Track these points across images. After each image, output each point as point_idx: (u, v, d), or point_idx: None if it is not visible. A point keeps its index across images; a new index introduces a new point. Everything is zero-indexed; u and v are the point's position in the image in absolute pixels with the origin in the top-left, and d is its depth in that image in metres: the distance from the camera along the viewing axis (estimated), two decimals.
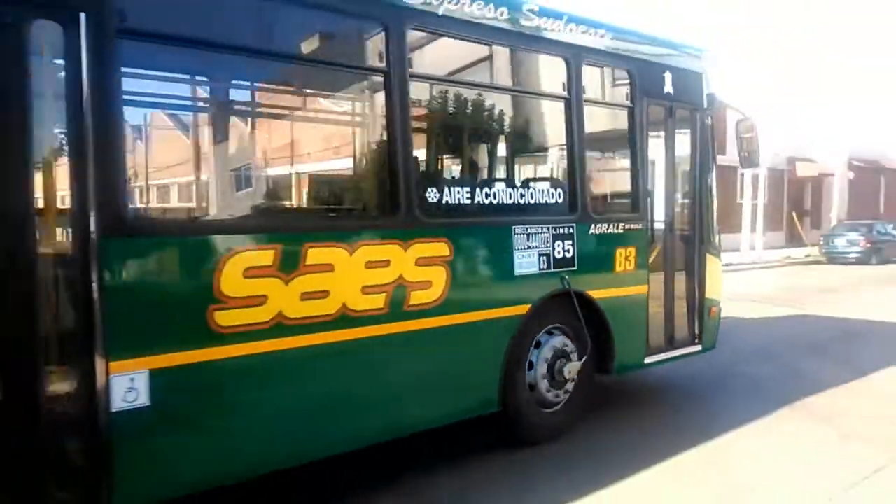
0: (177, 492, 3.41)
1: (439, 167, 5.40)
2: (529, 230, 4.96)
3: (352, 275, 3.99)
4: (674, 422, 6.02)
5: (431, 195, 4.47)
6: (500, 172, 5.82)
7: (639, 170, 5.85)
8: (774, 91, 23.70)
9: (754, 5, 25.82)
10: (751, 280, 18.04)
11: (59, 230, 3.22)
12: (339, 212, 4.76)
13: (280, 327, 3.68)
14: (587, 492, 4.39)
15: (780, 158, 28.34)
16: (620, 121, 5.89)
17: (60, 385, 3.16)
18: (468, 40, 4.84)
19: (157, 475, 3.34)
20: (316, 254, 3.83)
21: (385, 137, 4.27)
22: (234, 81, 5.30)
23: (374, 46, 4.23)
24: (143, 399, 3.20)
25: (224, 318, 3.47)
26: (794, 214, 30.33)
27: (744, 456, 5.15)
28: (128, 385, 3.15)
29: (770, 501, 4.36)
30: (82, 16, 3.04)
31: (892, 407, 6.43)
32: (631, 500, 4.40)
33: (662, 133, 6.26)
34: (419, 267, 4.29)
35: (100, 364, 3.09)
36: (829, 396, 6.80)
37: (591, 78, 5.52)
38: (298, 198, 5.26)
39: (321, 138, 5.54)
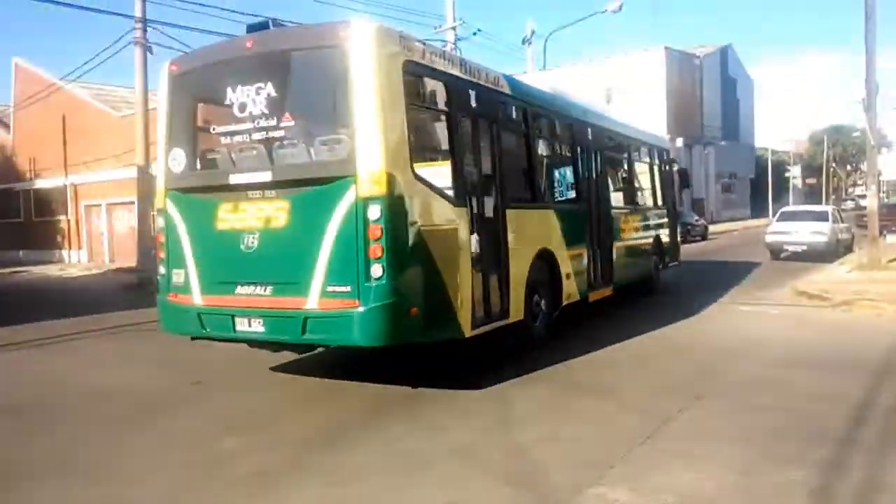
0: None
1: (647, 194, 13.80)
2: (655, 211, 13.59)
3: (635, 223, 12.41)
4: (463, 406, 6.22)
5: (647, 202, 13.59)
6: (649, 196, 13.82)
7: (665, 188, 14.29)
8: None
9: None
10: None
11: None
12: (642, 203, 13.21)
13: (625, 238, 11.71)
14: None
15: None
16: (657, 171, 14.11)
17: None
18: (636, 148, 13.28)
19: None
20: (631, 216, 12.20)
21: (648, 186, 13.61)
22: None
23: (652, 155, 13.96)
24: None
25: (617, 236, 11.20)
26: None
27: (535, 434, 5.39)
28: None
29: (560, 474, 4.58)
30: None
31: (659, 379, 7.14)
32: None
33: (661, 173, 14.32)
34: (645, 222, 12.94)
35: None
36: (611, 375, 7.40)
37: (650, 155, 13.86)
38: (636, 202, 13.07)
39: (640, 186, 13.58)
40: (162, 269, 6.99)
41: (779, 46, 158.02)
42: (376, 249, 5.72)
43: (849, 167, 78.66)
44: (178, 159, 6.88)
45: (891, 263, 16.30)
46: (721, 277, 16.03)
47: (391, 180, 5.83)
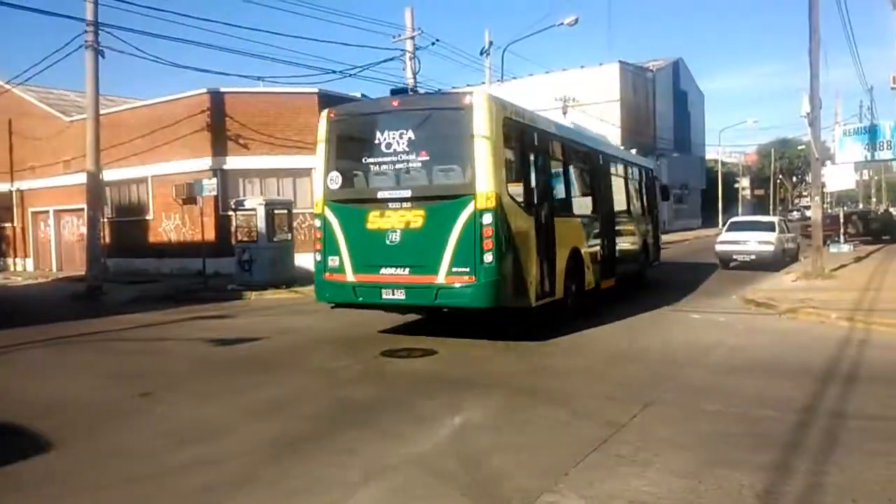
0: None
1: (639, 206, 17.17)
2: (645, 220, 16.96)
3: (631, 229, 15.65)
4: (417, 416, 6.21)
5: (639, 213, 16.81)
6: (640, 207, 16.99)
7: (651, 201, 17.67)
8: None
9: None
10: None
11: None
12: (636, 214, 16.42)
13: (625, 242, 15.02)
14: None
15: None
16: (645, 187, 17.61)
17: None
18: (619, 162, 15.59)
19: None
20: (628, 224, 15.32)
21: (639, 199, 17.08)
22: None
23: (642, 173, 17.51)
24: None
25: (619, 239, 14.30)
26: None
27: (490, 442, 5.41)
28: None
29: (514, 482, 4.60)
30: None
31: (612, 385, 7.25)
32: None
33: (648, 189, 17.75)
34: (638, 228, 16.19)
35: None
36: (565, 381, 7.48)
37: (640, 174, 17.33)
38: (631, 213, 16.17)
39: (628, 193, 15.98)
40: (318, 257, 9.87)
41: (729, 61, 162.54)
42: (488, 243, 8.62)
43: (795, 179, 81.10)
44: (335, 179, 9.88)
45: (834, 272, 16.87)
46: (673, 285, 16.36)
47: (496, 198, 8.69)
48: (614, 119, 46.52)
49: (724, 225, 25.58)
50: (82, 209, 20.94)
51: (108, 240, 22.66)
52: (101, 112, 18.86)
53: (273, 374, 8.24)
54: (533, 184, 10.17)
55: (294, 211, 19.80)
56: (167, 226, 23.36)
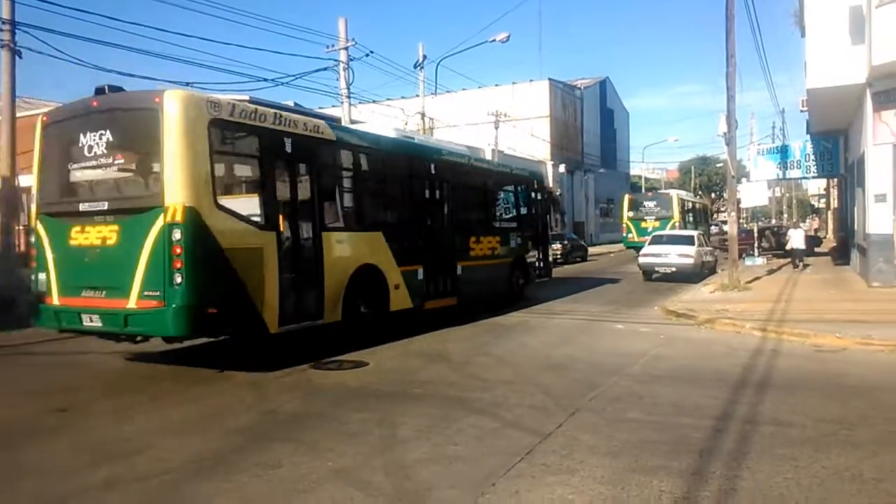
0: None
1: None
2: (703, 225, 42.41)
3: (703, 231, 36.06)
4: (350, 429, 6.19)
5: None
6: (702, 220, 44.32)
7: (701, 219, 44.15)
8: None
9: None
10: None
11: None
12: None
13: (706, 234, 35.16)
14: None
15: None
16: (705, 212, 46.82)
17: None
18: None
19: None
20: (703, 228, 38.62)
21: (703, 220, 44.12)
22: None
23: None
24: None
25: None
26: None
27: (418, 454, 5.43)
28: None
29: (442, 493, 4.63)
30: None
31: (537, 394, 7.36)
32: None
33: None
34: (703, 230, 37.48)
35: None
36: (491, 392, 7.57)
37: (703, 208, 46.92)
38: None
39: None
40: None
41: (652, 81, 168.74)
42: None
43: (713, 195, 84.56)
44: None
45: (749, 284, 17.69)
46: (596, 296, 16.80)
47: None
48: (544, 134, 47.55)
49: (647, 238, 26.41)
50: None
51: (23, 248, 21.54)
52: (18, 115, 17.98)
53: (202, 385, 8.03)
54: (693, 223, 34.84)
55: None
56: None
